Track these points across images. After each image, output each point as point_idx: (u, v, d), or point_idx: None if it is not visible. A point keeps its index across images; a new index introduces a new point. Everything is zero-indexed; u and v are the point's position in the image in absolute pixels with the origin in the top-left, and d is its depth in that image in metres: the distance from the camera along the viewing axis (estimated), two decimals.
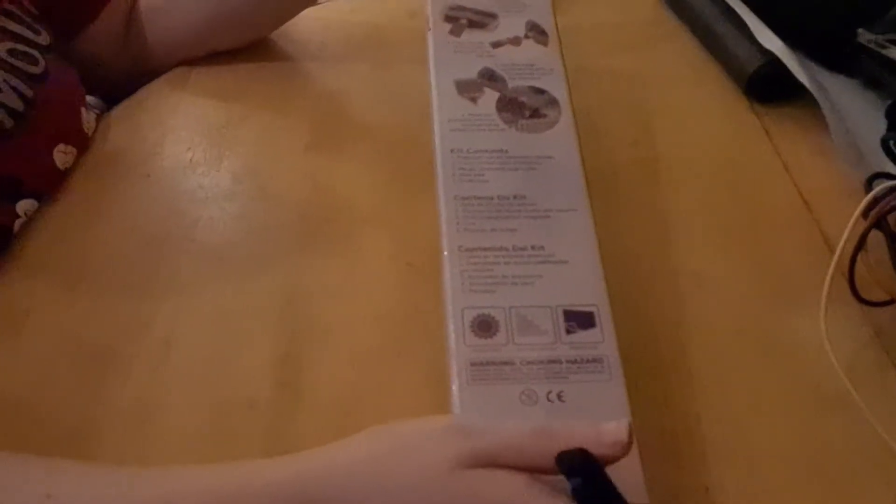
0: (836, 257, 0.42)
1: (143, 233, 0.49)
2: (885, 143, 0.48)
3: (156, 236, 0.49)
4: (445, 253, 0.38)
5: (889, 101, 0.55)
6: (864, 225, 0.42)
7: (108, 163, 0.55)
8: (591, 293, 0.37)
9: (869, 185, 0.45)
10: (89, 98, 0.65)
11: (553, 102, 0.44)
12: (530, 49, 0.46)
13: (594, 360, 0.35)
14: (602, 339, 0.36)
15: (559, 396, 0.34)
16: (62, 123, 0.53)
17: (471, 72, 0.44)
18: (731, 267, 0.47)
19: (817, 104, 0.55)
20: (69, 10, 0.58)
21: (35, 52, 0.51)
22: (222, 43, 0.63)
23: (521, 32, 0.47)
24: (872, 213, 0.42)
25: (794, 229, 0.50)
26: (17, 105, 0.48)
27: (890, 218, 0.42)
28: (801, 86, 0.56)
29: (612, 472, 0.32)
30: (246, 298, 0.45)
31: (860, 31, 0.57)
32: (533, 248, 0.38)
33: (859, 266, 0.42)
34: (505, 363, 0.35)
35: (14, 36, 0.51)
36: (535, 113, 0.43)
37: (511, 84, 0.44)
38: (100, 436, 0.39)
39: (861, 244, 0.41)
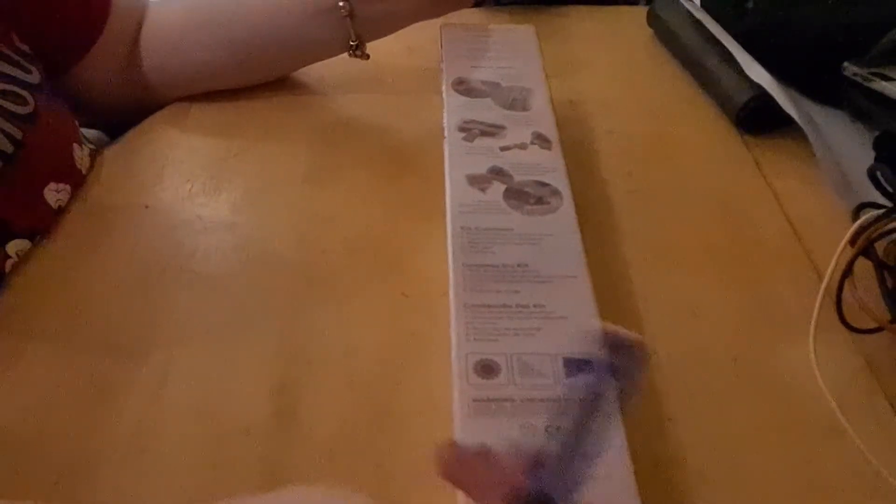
0: (824, 285, 0.43)
1: (141, 263, 0.50)
2: (871, 174, 0.49)
3: (154, 266, 0.49)
4: (453, 310, 0.40)
5: (876, 133, 0.56)
6: (851, 253, 0.42)
7: (107, 194, 0.56)
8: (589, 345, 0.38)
9: (856, 213, 0.46)
10: (90, 131, 0.65)
11: (556, 193, 0.47)
12: (535, 153, 0.50)
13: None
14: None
15: (558, 430, 0.34)
16: (53, 162, 0.53)
17: (481, 168, 0.49)
18: (722, 295, 0.48)
19: (806, 136, 0.56)
20: (61, 45, 0.59)
21: (25, 92, 0.52)
22: (230, 84, 0.64)
23: (528, 140, 0.51)
24: (859, 241, 0.42)
25: (785, 258, 0.50)
26: (7, 147, 0.49)
27: (877, 245, 0.43)
28: (790, 118, 0.57)
29: (607, 497, 0.33)
30: (242, 328, 0.46)
31: (846, 64, 0.58)
32: (535, 306, 0.40)
33: (847, 294, 0.42)
34: (505, 400, 0.36)
35: (4, 77, 0.51)
36: (539, 201, 0.46)
37: (517, 178, 0.48)
38: (97, 466, 0.39)
39: (848, 271, 0.42)
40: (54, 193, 0.52)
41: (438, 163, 0.50)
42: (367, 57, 0.61)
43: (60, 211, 0.53)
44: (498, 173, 0.48)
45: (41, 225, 0.51)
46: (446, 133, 0.52)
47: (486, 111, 0.53)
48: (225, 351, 0.44)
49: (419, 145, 0.59)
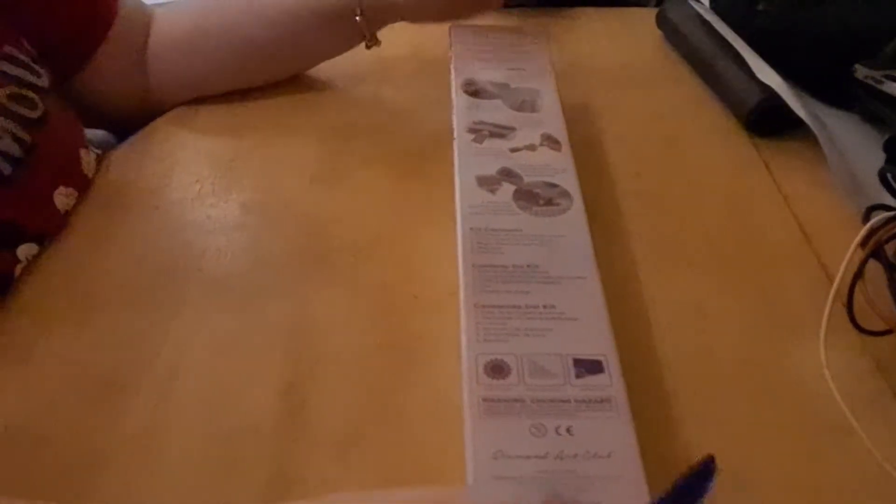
0: (834, 287, 0.43)
1: (151, 263, 0.50)
2: (882, 176, 0.49)
3: (163, 266, 0.50)
4: (463, 311, 0.40)
5: (887, 135, 0.56)
6: (862, 255, 0.42)
7: (116, 195, 0.56)
8: (599, 345, 0.39)
9: (867, 216, 0.45)
10: (97, 132, 0.65)
11: (565, 194, 0.47)
12: (545, 154, 0.50)
13: (602, 401, 0.36)
14: (610, 384, 0.37)
15: (568, 430, 0.35)
16: (61, 166, 0.54)
17: (490, 169, 0.49)
18: (731, 297, 0.48)
19: (816, 138, 0.56)
20: (68, 49, 0.59)
21: (34, 96, 0.52)
22: (238, 87, 0.65)
23: (537, 141, 0.51)
24: (870, 243, 0.42)
25: (794, 260, 0.50)
26: (16, 151, 0.49)
27: (888, 248, 0.43)
28: (800, 120, 0.56)
29: (618, 497, 0.33)
30: (252, 328, 0.46)
31: (857, 66, 0.58)
32: (544, 306, 0.40)
33: (858, 296, 0.42)
34: (516, 400, 0.36)
35: (14, 80, 0.51)
36: (549, 202, 0.47)
37: (527, 179, 0.48)
38: (106, 463, 0.39)
39: (859, 274, 0.42)
40: (63, 198, 0.52)
41: (448, 164, 0.50)
42: (379, 43, 0.61)
43: (67, 215, 0.53)
44: (507, 174, 0.48)
45: (50, 229, 0.52)
46: (455, 134, 0.52)
47: (496, 112, 0.53)
48: (234, 350, 0.44)
49: (428, 146, 0.59)
